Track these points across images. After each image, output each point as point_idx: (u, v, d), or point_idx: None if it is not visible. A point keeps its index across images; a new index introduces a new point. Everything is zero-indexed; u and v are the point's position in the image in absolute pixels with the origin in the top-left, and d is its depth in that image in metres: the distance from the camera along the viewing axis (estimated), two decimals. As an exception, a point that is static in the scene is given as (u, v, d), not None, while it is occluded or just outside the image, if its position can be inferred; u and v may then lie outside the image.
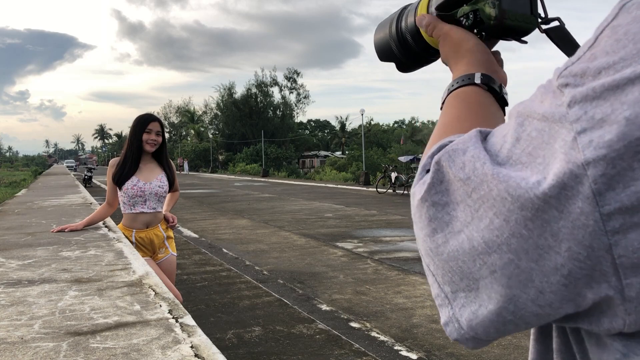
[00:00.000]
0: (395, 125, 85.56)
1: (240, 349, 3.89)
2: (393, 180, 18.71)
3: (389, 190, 18.96)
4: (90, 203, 7.96)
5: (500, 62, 0.65)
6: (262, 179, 33.95)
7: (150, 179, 3.41)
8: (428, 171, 0.45)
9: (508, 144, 0.39)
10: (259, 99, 60.13)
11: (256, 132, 54.73)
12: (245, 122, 58.70)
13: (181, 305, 2.30)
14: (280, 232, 9.78)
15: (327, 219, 11.67)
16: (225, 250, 8.04)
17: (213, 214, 13.38)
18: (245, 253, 7.78)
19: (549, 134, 0.36)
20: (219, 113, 63.52)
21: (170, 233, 3.59)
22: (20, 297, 2.44)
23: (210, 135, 65.51)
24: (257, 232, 9.85)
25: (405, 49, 0.71)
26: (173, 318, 2.08)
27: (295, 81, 61.55)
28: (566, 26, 0.59)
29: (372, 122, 70.04)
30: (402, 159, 19.93)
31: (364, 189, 21.72)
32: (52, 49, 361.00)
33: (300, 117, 74.95)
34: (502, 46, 0.69)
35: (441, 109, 0.60)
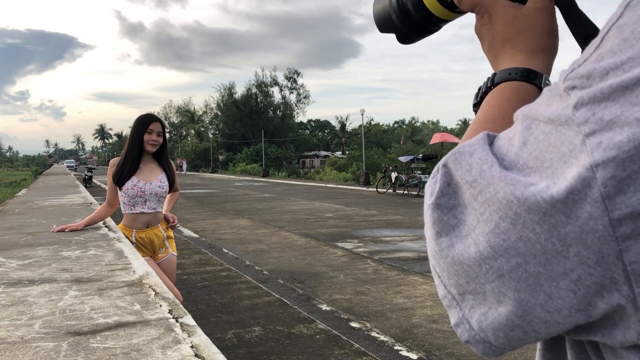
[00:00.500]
0: (396, 125, 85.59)
1: (241, 349, 3.89)
2: (393, 180, 18.71)
3: (389, 190, 18.96)
4: (91, 203, 7.97)
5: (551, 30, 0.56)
6: (262, 179, 33.95)
7: (150, 179, 3.41)
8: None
9: (515, 147, 0.38)
10: (259, 99, 60.14)
11: (256, 132, 54.74)
12: (246, 122, 58.71)
13: (181, 305, 2.30)
14: (281, 232, 9.78)
15: (327, 219, 11.67)
16: (225, 250, 8.04)
17: (213, 214, 13.38)
18: (246, 253, 7.79)
19: (556, 137, 0.35)
20: (219, 113, 63.54)
21: (171, 233, 3.59)
22: (20, 297, 2.44)
23: (211, 135, 65.53)
24: (257, 232, 9.85)
25: (406, 19, 0.67)
26: (173, 318, 2.09)
27: (295, 81, 61.60)
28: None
29: (372, 122, 70.09)
30: (402, 159, 19.93)
31: (364, 189, 21.72)
32: (53, 49, 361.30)
33: (301, 117, 74.98)
34: None
35: (478, 101, 0.57)
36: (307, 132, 75.85)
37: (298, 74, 61.73)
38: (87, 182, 24.98)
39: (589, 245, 0.33)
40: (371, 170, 31.85)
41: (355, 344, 3.95)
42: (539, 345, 0.46)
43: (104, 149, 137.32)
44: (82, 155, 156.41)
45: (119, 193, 3.43)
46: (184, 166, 53.97)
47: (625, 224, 0.32)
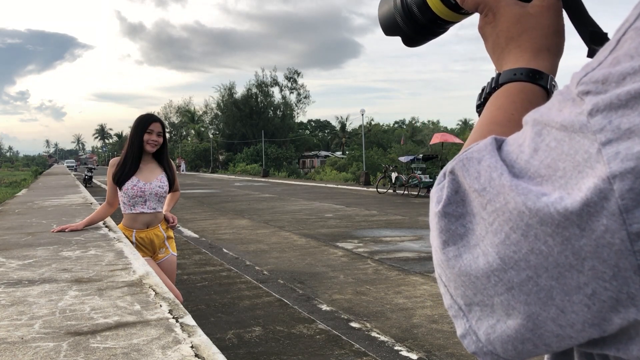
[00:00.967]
0: (396, 125, 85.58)
1: (241, 349, 3.89)
2: (393, 181, 18.71)
3: (389, 191, 18.96)
4: (91, 203, 7.97)
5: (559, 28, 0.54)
6: (263, 179, 33.95)
7: (150, 179, 3.41)
8: (446, 176, 0.43)
9: (525, 154, 0.37)
10: (259, 99, 60.16)
11: (256, 132, 54.74)
12: (246, 122, 58.71)
13: (181, 305, 2.30)
14: (281, 232, 9.78)
15: (327, 219, 11.67)
16: (225, 250, 8.04)
17: (213, 214, 13.38)
18: (246, 253, 7.79)
19: (569, 145, 0.34)
20: (220, 113, 63.56)
21: (171, 233, 3.59)
22: (20, 297, 2.44)
23: (211, 135, 65.54)
24: (258, 232, 9.86)
25: (412, 22, 0.66)
26: (173, 318, 2.09)
27: (295, 81, 61.62)
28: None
29: (373, 122, 70.12)
30: (403, 159, 19.92)
31: (364, 189, 21.72)
32: (53, 49, 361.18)
33: (301, 117, 74.89)
34: None
35: (482, 102, 0.55)
36: (307, 132, 75.89)
37: (298, 74, 61.78)
38: (87, 182, 24.99)
39: (605, 260, 0.32)
40: (371, 170, 31.85)
41: (356, 344, 3.95)
42: (546, 355, 0.45)
43: (104, 149, 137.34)
44: (82, 155, 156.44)
45: (119, 193, 3.43)
46: (183, 166, 53.97)
47: None
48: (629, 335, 0.34)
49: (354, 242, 8.54)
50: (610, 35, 0.39)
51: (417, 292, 5.37)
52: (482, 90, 0.56)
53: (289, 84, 61.33)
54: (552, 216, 0.33)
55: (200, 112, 71.09)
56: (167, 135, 3.64)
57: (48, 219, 5.77)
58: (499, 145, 0.40)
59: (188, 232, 10.06)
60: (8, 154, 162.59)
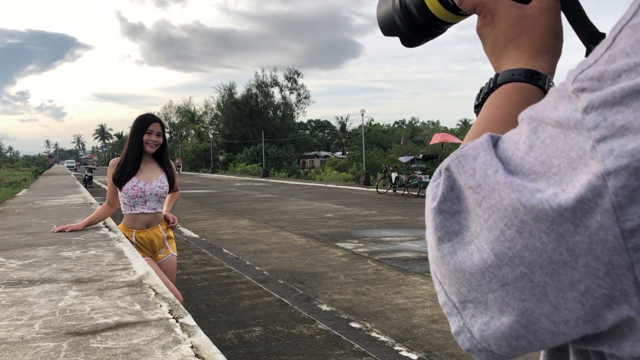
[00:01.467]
0: (396, 125, 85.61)
1: (241, 349, 3.89)
2: (393, 181, 18.71)
3: (389, 191, 18.96)
4: (91, 203, 7.97)
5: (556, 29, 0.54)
6: (263, 179, 33.95)
7: (150, 179, 3.42)
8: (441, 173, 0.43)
9: (521, 151, 0.37)
10: (259, 99, 60.16)
11: (256, 132, 54.75)
12: (246, 122, 58.72)
13: (181, 306, 2.30)
14: (281, 233, 9.78)
15: (327, 219, 11.67)
16: (225, 251, 8.04)
17: (213, 214, 13.38)
18: (246, 253, 7.79)
19: (564, 142, 0.34)
20: (220, 113, 63.57)
21: (171, 233, 3.59)
22: (20, 297, 2.45)
23: (211, 136, 65.55)
24: (258, 233, 9.86)
25: (410, 22, 0.66)
26: (173, 318, 2.09)
27: (295, 81, 61.62)
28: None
29: (373, 123, 70.15)
30: (403, 159, 19.93)
31: (364, 189, 21.72)
32: (53, 49, 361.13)
33: (301, 117, 74.98)
34: None
35: (480, 103, 0.55)
36: (307, 132, 75.90)
37: (298, 74, 61.78)
38: (87, 182, 24.99)
39: (598, 256, 0.32)
40: (371, 170, 31.86)
41: (356, 344, 3.95)
42: (542, 351, 0.45)
43: (104, 149, 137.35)
44: (82, 155, 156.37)
45: (119, 193, 3.43)
46: (181, 166, 53.91)
47: (637, 236, 0.31)
48: (621, 332, 0.34)
49: (354, 242, 8.54)
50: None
51: (417, 292, 5.37)
52: (480, 90, 0.57)
53: (289, 84, 61.36)
54: (546, 213, 0.33)
55: (200, 113, 71.15)
56: (167, 135, 3.64)
57: (48, 219, 5.77)
58: (495, 143, 0.40)
59: (188, 232, 10.06)
60: (8, 154, 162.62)
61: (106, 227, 4.54)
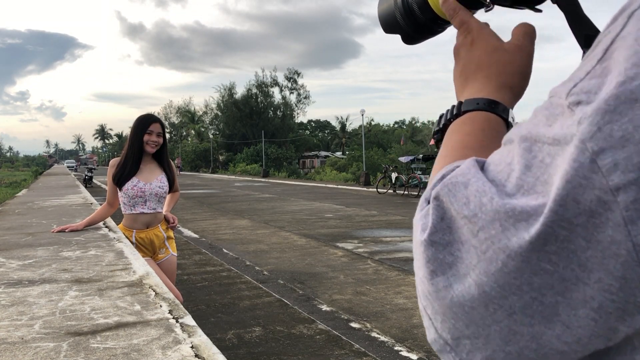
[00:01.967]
0: (396, 125, 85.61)
1: (241, 349, 3.89)
2: (393, 181, 18.71)
3: (390, 191, 18.96)
4: (91, 203, 7.97)
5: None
6: (263, 180, 33.95)
7: (150, 179, 3.42)
8: (429, 202, 0.41)
9: (517, 172, 0.35)
10: (259, 99, 60.16)
11: (256, 132, 54.74)
12: (246, 122, 58.72)
13: (181, 306, 2.30)
14: (281, 233, 9.78)
15: (327, 219, 11.67)
16: (225, 251, 8.04)
17: (213, 214, 13.38)
18: (246, 253, 7.79)
19: (562, 158, 0.33)
20: (220, 113, 63.57)
21: (171, 233, 3.59)
22: (20, 297, 2.45)
23: (211, 136, 65.56)
24: (258, 233, 9.86)
25: (411, 20, 0.67)
26: (173, 318, 2.09)
27: (295, 81, 61.61)
28: None
29: (373, 123, 70.17)
30: (403, 159, 19.94)
31: (364, 189, 21.72)
32: (53, 49, 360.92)
33: (301, 117, 74.91)
34: None
35: (441, 128, 0.56)
36: (307, 132, 75.90)
37: (298, 74, 61.78)
38: (87, 182, 24.99)
39: (611, 271, 0.31)
40: (371, 170, 31.86)
41: (356, 345, 3.95)
42: None
43: (104, 149, 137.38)
44: (82, 155, 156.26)
45: (119, 193, 3.43)
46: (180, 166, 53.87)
47: None
48: (632, 345, 0.33)
49: (354, 242, 8.54)
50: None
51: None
52: (441, 117, 0.57)
53: (289, 84, 61.36)
54: (557, 234, 0.32)
55: (201, 113, 71.15)
56: (167, 135, 3.64)
57: (48, 219, 5.77)
58: (481, 166, 0.39)
59: (188, 233, 10.06)
60: (8, 154, 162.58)
61: (106, 227, 4.54)
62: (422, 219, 0.41)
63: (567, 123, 0.33)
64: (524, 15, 0.59)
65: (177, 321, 2.05)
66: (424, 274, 0.39)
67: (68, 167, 66.40)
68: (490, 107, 0.53)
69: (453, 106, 0.56)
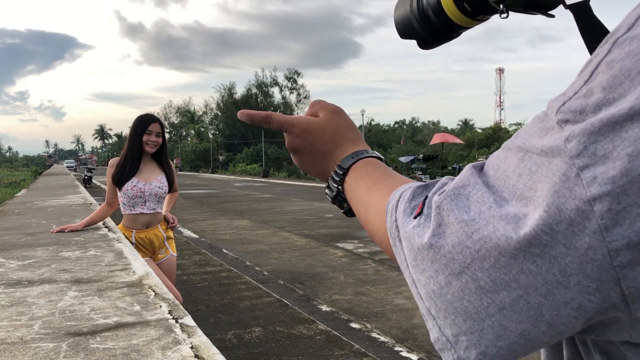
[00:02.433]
0: (396, 125, 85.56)
1: (241, 350, 3.89)
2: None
3: (389, 191, 18.93)
4: (90, 203, 7.97)
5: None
6: (263, 180, 33.96)
7: (150, 179, 3.41)
8: (418, 215, 0.45)
9: (512, 179, 0.39)
10: (259, 99, 60.19)
11: (256, 132, 54.74)
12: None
13: (181, 306, 2.29)
14: (281, 233, 9.78)
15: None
16: (225, 251, 8.04)
17: (213, 214, 13.38)
18: (246, 253, 7.78)
19: (548, 169, 0.37)
20: (219, 113, 63.58)
21: (170, 233, 3.59)
22: (20, 298, 2.44)
23: (211, 136, 65.56)
24: (258, 233, 9.85)
25: (427, 25, 0.68)
26: (173, 319, 2.08)
27: (295, 81, 61.64)
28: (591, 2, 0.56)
29: (373, 123, 70.14)
30: (403, 159, 19.97)
31: (364, 189, 21.70)
32: (52, 49, 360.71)
33: (301, 117, 74.53)
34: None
35: (338, 192, 0.64)
36: (307, 132, 75.73)
37: (298, 74, 61.81)
38: (87, 182, 25.00)
39: (588, 275, 0.35)
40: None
41: (356, 345, 3.95)
42: None
43: (104, 149, 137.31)
44: (82, 155, 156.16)
45: (119, 194, 3.43)
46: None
47: (622, 254, 0.34)
48: (605, 325, 0.38)
49: (354, 242, 8.54)
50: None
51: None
52: (331, 190, 0.65)
53: (289, 84, 61.39)
54: (539, 238, 0.36)
55: (200, 113, 71.17)
56: (167, 135, 3.64)
57: (48, 219, 5.77)
58: (480, 169, 0.44)
59: (188, 233, 10.06)
60: (8, 154, 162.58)
61: (106, 227, 4.54)
62: (420, 224, 0.45)
63: (554, 137, 0.37)
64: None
65: (176, 321, 2.05)
66: (428, 275, 0.43)
67: (67, 167, 66.40)
68: (362, 153, 0.64)
69: (331, 177, 0.65)
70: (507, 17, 0.61)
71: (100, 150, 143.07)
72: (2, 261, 3.34)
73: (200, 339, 1.86)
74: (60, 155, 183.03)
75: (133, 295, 2.44)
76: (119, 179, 3.37)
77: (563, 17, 0.59)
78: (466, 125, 75.72)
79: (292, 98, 61.91)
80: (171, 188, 3.54)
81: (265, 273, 6.47)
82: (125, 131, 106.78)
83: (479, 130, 51.77)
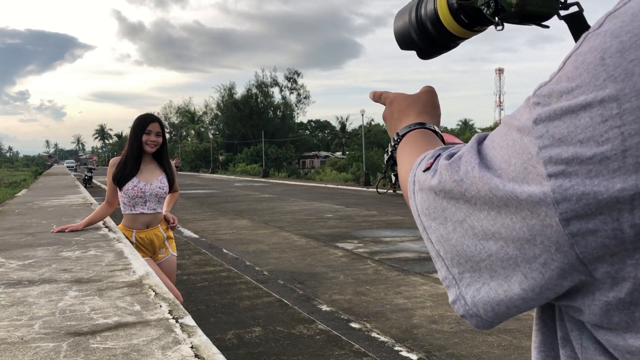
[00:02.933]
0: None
1: (241, 350, 3.89)
2: (393, 181, 18.69)
3: (389, 191, 18.95)
4: (91, 203, 7.97)
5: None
6: (263, 180, 33.95)
7: (150, 180, 3.42)
8: (427, 169, 0.53)
9: (496, 150, 0.46)
10: (259, 100, 60.13)
11: (256, 132, 54.73)
12: (246, 122, 58.69)
13: (181, 306, 2.30)
14: (281, 233, 9.78)
15: (327, 219, 11.67)
16: (225, 251, 8.04)
17: (213, 214, 13.38)
18: (246, 253, 7.79)
19: (520, 145, 0.42)
20: (220, 113, 63.55)
21: (171, 233, 3.59)
22: (20, 298, 2.44)
23: (211, 136, 65.52)
24: (258, 233, 9.85)
25: (426, 37, 0.70)
26: (173, 318, 2.09)
27: (295, 81, 61.59)
28: (585, 12, 0.58)
29: (373, 123, 70.01)
30: (403, 159, 19.90)
31: (364, 189, 21.72)
32: (53, 49, 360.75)
33: (301, 117, 74.96)
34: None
35: (391, 156, 0.75)
36: (307, 132, 75.85)
37: (298, 75, 61.76)
38: (87, 182, 24.99)
39: (549, 237, 0.41)
40: (371, 170, 31.81)
41: (356, 345, 3.95)
42: (534, 327, 0.54)
43: (104, 149, 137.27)
44: (82, 155, 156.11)
45: (119, 193, 3.43)
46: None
47: (572, 225, 0.39)
48: (576, 288, 0.43)
49: (354, 242, 8.54)
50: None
51: (417, 293, 5.37)
52: (386, 151, 0.77)
53: (289, 84, 61.34)
54: (511, 200, 0.42)
55: (200, 113, 71.14)
56: (167, 135, 3.64)
57: (48, 219, 5.77)
58: (482, 140, 0.49)
59: (188, 233, 10.06)
60: (8, 154, 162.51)
61: (106, 227, 4.54)
62: (432, 179, 0.51)
63: (527, 117, 0.43)
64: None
65: (177, 321, 2.05)
66: (439, 221, 0.50)
67: (68, 167, 66.37)
68: (418, 125, 0.73)
69: (393, 139, 0.74)
70: (502, 29, 0.63)
71: (100, 151, 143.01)
72: (3, 261, 3.34)
73: (201, 338, 1.86)
74: (61, 155, 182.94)
75: (133, 295, 2.44)
76: (120, 179, 3.37)
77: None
78: (466, 125, 75.68)
79: (292, 98, 61.93)
80: (171, 188, 3.54)
81: (265, 273, 6.47)
82: (126, 131, 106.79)
83: (479, 131, 51.77)
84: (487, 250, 0.46)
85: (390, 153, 0.75)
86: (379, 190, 19.38)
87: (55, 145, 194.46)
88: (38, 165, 78.02)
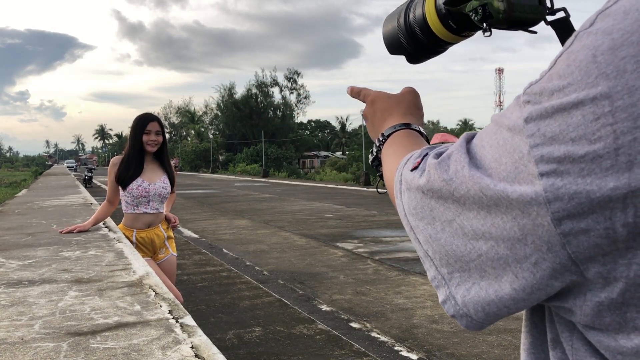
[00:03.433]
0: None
1: (241, 349, 3.90)
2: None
3: (389, 191, 18.94)
4: (91, 203, 7.97)
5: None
6: (263, 180, 33.95)
7: (154, 179, 3.42)
8: (415, 168, 0.53)
9: (485, 149, 0.45)
10: (259, 100, 60.12)
11: (256, 132, 54.72)
12: (246, 122, 58.68)
13: (181, 306, 2.30)
14: (281, 233, 9.78)
15: (327, 219, 11.67)
16: (225, 251, 8.04)
17: (213, 214, 13.38)
18: (246, 253, 7.79)
19: (511, 144, 0.42)
20: (219, 113, 63.54)
21: (171, 233, 3.59)
22: (20, 298, 2.45)
23: (211, 136, 65.52)
24: (258, 233, 9.86)
25: (414, 41, 0.71)
26: (173, 318, 2.09)
27: (295, 81, 61.56)
28: (571, 18, 0.59)
29: (373, 123, 69.98)
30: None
31: (364, 189, 21.72)
32: (52, 49, 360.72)
33: (301, 117, 75.02)
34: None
35: (376, 156, 0.74)
36: (307, 132, 75.79)
37: (298, 74, 61.73)
38: (87, 182, 24.99)
39: (540, 236, 0.40)
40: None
41: (356, 345, 3.95)
42: (523, 329, 0.54)
43: (104, 149, 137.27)
44: (82, 155, 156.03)
45: (122, 193, 3.43)
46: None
47: (564, 224, 0.39)
48: (568, 289, 0.42)
49: (354, 242, 8.54)
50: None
51: (417, 293, 5.37)
52: (370, 152, 0.75)
53: (289, 84, 61.31)
54: (501, 200, 0.42)
55: (200, 113, 71.13)
56: (167, 135, 3.64)
57: (48, 219, 5.77)
58: (470, 139, 0.49)
59: (188, 233, 10.06)
60: (8, 154, 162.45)
61: (106, 227, 4.54)
62: (420, 179, 0.50)
63: (518, 115, 0.42)
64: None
65: (177, 321, 2.05)
66: (427, 221, 0.50)
67: (68, 167, 66.40)
68: (404, 125, 0.72)
69: (378, 139, 0.73)
70: (490, 35, 0.64)
71: (100, 151, 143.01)
72: (3, 261, 3.34)
73: (201, 338, 1.86)
74: (61, 155, 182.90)
75: (133, 295, 2.44)
76: (124, 179, 3.36)
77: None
78: (466, 125, 75.66)
79: (292, 98, 61.90)
80: (172, 188, 3.55)
81: (265, 273, 6.47)
82: (126, 131, 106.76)
83: (479, 130, 51.70)
84: (477, 250, 0.45)
85: (375, 154, 0.74)
86: (379, 190, 19.37)
87: (55, 145, 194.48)
88: (38, 165, 78.01)
